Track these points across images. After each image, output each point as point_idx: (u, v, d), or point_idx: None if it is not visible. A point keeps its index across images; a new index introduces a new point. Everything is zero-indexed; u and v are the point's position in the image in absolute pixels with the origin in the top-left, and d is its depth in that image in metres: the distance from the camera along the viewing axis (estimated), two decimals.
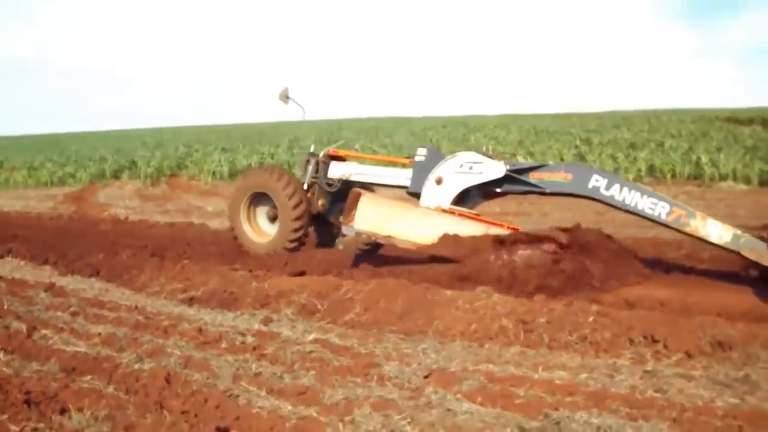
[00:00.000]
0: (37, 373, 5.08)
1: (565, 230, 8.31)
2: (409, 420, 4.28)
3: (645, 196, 8.22)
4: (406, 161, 10.52)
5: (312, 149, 11.08)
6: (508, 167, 8.90)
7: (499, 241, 8.12)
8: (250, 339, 6.22)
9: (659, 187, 14.88)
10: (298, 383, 5.04)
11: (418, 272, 8.34)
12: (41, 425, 4.11)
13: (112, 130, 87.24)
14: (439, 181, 9.14)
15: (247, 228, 10.74)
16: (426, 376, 5.20)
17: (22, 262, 10.67)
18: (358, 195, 8.79)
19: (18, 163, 33.21)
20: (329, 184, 10.48)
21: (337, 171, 10.56)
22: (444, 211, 8.87)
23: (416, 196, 9.48)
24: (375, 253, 10.43)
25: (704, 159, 19.30)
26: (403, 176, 9.91)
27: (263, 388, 4.89)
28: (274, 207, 10.42)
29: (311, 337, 6.33)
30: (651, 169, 20.05)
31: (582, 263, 8.00)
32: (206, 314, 7.42)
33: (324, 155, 10.73)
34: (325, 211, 10.64)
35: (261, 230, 10.81)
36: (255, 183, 10.75)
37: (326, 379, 5.14)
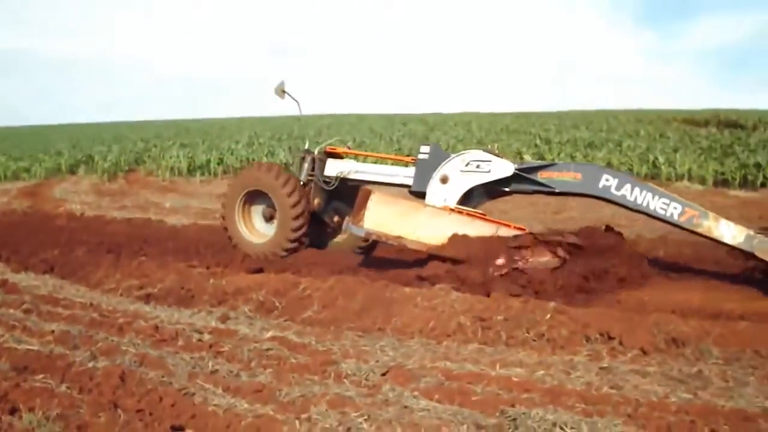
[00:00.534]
0: None
1: (575, 232, 8.23)
2: (365, 417, 4.29)
3: (657, 197, 8.10)
4: (408, 159, 10.32)
5: (307, 146, 10.65)
6: (516, 166, 8.73)
7: (514, 245, 7.99)
8: (206, 336, 6.16)
9: None
10: (255, 381, 5.02)
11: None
12: None
13: (67, 124, 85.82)
14: (444, 180, 8.94)
15: (242, 228, 10.38)
16: (383, 374, 5.22)
17: None
18: (368, 194, 8.49)
19: None
20: (326, 182, 10.14)
21: (334, 168, 10.25)
22: (452, 210, 8.64)
23: (419, 195, 9.25)
24: (371, 254, 10.46)
25: (661, 159, 19.53)
26: (404, 175, 9.66)
27: (219, 386, 4.85)
28: (270, 206, 10.15)
29: (269, 334, 6.28)
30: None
31: (594, 266, 7.89)
32: (163, 311, 7.31)
33: (320, 152, 10.43)
34: (321, 210, 10.32)
35: (256, 230, 10.47)
36: (251, 181, 10.28)
37: (283, 377, 5.13)
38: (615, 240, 8.31)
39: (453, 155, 9.06)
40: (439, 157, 9.17)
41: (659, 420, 4.34)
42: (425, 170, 9.16)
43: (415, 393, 4.80)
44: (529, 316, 6.37)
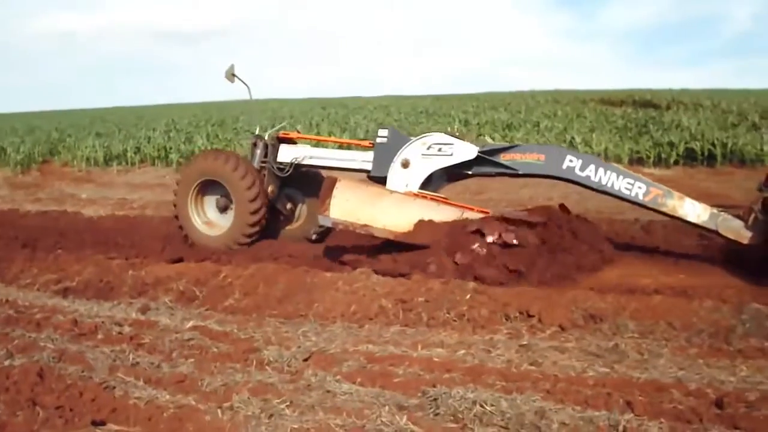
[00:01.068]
0: None
1: (536, 211, 8.13)
2: (288, 403, 4.31)
3: (621, 177, 8.06)
4: (365, 143, 10.07)
5: (257, 131, 10.32)
6: (479, 148, 8.54)
7: (479, 227, 7.81)
8: (127, 329, 6.06)
9: None
10: (177, 372, 4.99)
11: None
12: None
13: None
14: (405, 164, 8.67)
15: (195, 219, 9.92)
16: (306, 359, 5.24)
17: None
18: (334, 181, 8.04)
19: None
20: (281, 169, 9.78)
21: (288, 154, 9.88)
22: (417, 195, 8.40)
23: (379, 180, 8.92)
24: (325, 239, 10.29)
25: (578, 139, 19.91)
26: (362, 159, 9.34)
27: (141, 378, 4.81)
28: (224, 196, 9.78)
29: (190, 324, 6.22)
30: None
31: (560, 246, 7.77)
32: (81, 305, 7.15)
33: (272, 137, 10.05)
34: (274, 198, 9.95)
35: (210, 221, 10.01)
36: (206, 169, 9.77)
37: (205, 367, 5.11)
38: (575, 218, 8.23)
39: (413, 138, 8.84)
40: (398, 140, 8.92)
41: (577, 394, 4.47)
42: (384, 154, 8.91)
43: (338, 377, 4.84)
44: (450, 297, 6.46)
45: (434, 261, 7.59)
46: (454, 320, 6.23)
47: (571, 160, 8.19)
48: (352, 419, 4.07)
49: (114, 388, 4.60)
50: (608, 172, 8.08)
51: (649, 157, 18.15)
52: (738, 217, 7.79)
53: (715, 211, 7.89)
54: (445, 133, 8.94)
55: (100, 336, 5.88)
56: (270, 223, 10.03)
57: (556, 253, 7.66)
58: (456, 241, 7.75)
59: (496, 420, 4.04)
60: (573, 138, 20.16)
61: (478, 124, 25.71)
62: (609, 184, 8.06)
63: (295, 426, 4.01)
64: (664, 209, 7.98)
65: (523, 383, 4.69)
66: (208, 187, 9.88)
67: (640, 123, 23.55)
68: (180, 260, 8.56)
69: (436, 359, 5.28)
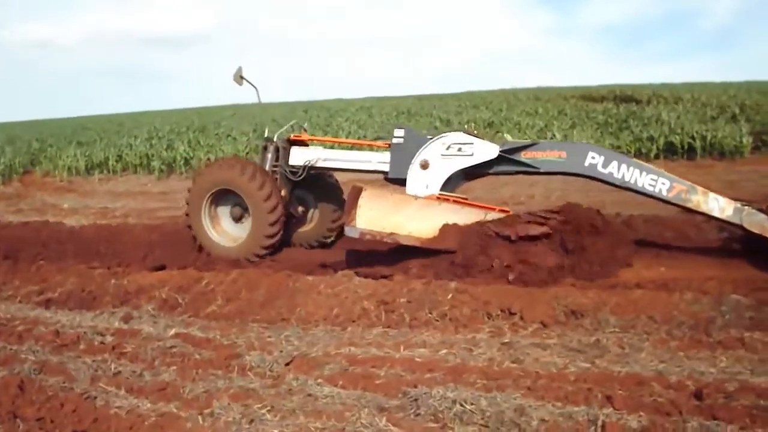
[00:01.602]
0: None
1: (558, 211, 8.01)
2: (269, 408, 4.32)
3: (644, 173, 7.94)
4: (380, 144, 9.85)
5: (266, 134, 9.97)
6: (500, 147, 8.35)
7: (503, 230, 7.71)
8: (109, 338, 6.05)
9: None
10: (159, 380, 4.99)
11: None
12: None
13: None
14: (424, 166, 8.47)
15: (210, 230, 9.57)
16: (287, 364, 5.27)
17: None
18: (359, 191, 7.78)
19: None
20: (293, 172, 9.48)
21: (300, 157, 9.58)
22: (440, 199, 8.20)
23: (397, 182, 8.79)
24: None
25: (558, 136, 19.99)
26: (378, 160, 9.10)
27: (122, 387, 4.80)
28: (238, 205, 9.47)
29: (172, 332, 6.22)
30: None
31: (582, 245, 7.68)
32: (64, 316, 7.13)
33: (283, 140, 9.75)
34: (286, 202, 9.58)
35: (225, 232, 9.69)
36: (220, 179, 9.38)
37: (187, 374, 5.11)
38: (596, 216, 8.04)
39: (432, 138, 8.61)
40: (415, 140, 8.70)
41: (557, 390, 4.51)
42: (402, 155, 8.69)
43: (319, 380, 4.86)
44: (432, 297, 6.50)
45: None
46: (437, 320, 6.26)
47: (593, 157, 8.06)
48: (333, 422, 4.09)
49: (95, 398, 4.59)
50: (631, 169, 7.96)
51: (629, 152, 18.19)
52: (761, 210, 7.76)
53: (738, 205, 7.82)
54: (464, 132, 8.72)
55: (82, 346, 5.85)
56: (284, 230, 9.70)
57: (584, 251, 7.62)
58: (481, 242, 7.69)
59: (476, 419, 4.07)
60: (554, 135, 20.26)
61: (459, 123, 25.73)
62: (632, 181, 7.95)
63: (275, 431, 4.03)
64: (688, 205, 7.90)
65: (504, 381, 4.72)
66: (221, 196, 9.55)
67: (620, 118, 23.62)
68: (162, 268, 8.55)
69: (418, 360, 5.30)
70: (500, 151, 8.29)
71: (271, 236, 9.14)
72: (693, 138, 18.18)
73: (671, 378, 4.69)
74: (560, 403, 4.29)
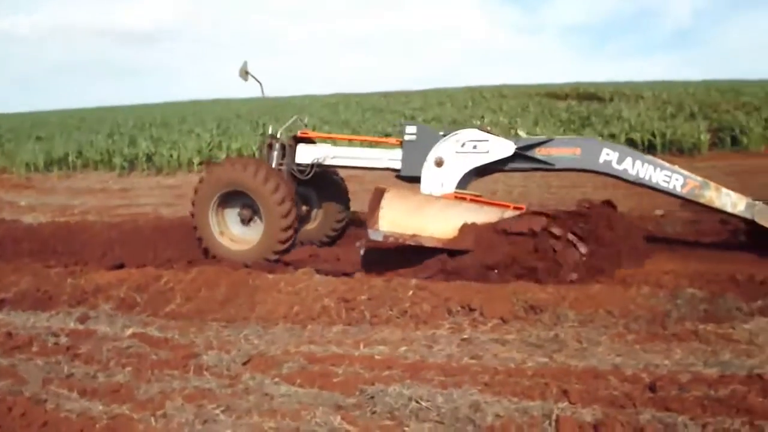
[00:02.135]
0: None
1: (580, 207, 7.90)
2: (224, 408, 4.27)
3: (658, 169, 7.96)
4: (392, 141, 9.52)
5: (270, 131, 9.68)
6: (516, 145, 8.27)
7: (532, 228, 7.54)
8: (63, 339, 5.94)
9: None
10: (113, 381, 4.91)
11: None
12: None
13: None
14: (439, 163, 8.32)
15: (217, 233, 9.12)
16: (245, 363, 5.21)
17: None
18: (382, 192, 7.52)
19: None
20: (301, 171, 9.21)
21: (307, 155, 9.30)
22: (459, 198, 8.02)
23: (410, 179, 8.64)
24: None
25: (522, 133, 20.17)
26: (390, 158, 8.91)
27: (75, 389, 4.71)
28: (246, 207, 9.07)
29: (129, 331, 6.12)
30: None
31: (604, 241, 7.59)
32: (18, 317, 6.96)
33: (289, 137, 9.42)
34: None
35: (235, 235, 9.26)
36: (230, 180, 8.91)
37: (142, 375, 5.04)
38: (613, 213, 8.07)
39: (446, 135, 8.47)
40: (429, 137, 8.55)
41: (514, 385, 4.52)
42: (415, 152, 8.53)
43: (276, 379, 4.82)
44: (392, 294, 6.49)
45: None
46: (397, 317, 6.25)
47: (607, 154, 8.05)
48: (287, 421, 4.05)
49: (46, 401, 4.50)
50: (645, 165, 7.98)
51: None
52: None
53: (750, 200, 7.94)
54: (479, 128, 8.61)
55: (34, 348, 5.73)
56: None
57: (607, 247, 7.57)
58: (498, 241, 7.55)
59: (431, 415, 4.05)
60: (517, 132, 20.41)
61: (424, 120, 25.87)
62: (647, 177, 7.97)
63: (228, 431, 3.98)
64: (701, 200, 7.97)
65: (462, 377, 4.72)
66: (229, 197, 9.10)
67: (582, 115, 23.91)
68: (121, 266, 8.45)
69: (377, 357, 5.28)
70: (516, 149, 8.24)
71: (284, 241, 8.76)
72: (653, 135, 18.48)
73: (627, 371, 4.73)
74: (516, 398, 4.30)
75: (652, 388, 4.36)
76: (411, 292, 6.50)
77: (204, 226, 9.10)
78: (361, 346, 5.58)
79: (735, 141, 19.43)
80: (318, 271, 7.43)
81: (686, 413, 3.97)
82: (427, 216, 7.67)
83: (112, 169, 21.82)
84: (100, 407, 4.36)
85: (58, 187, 19.97)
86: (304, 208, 9.83)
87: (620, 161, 7.99)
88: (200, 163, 21.18)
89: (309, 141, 9.61)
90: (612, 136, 18.72)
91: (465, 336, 5.76)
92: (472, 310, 6.24)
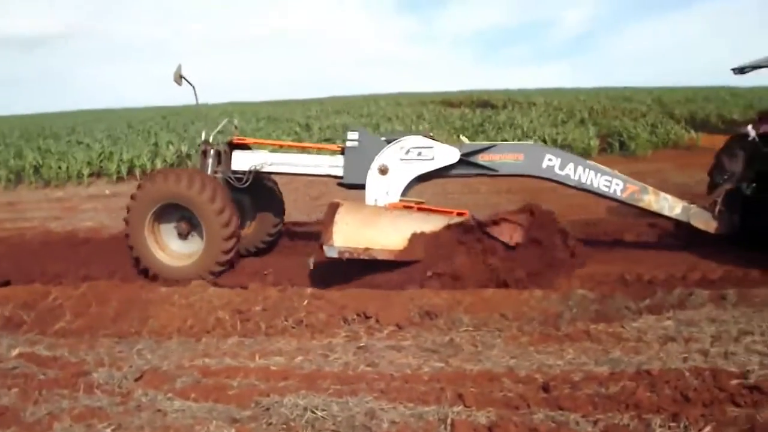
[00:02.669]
0: None
1: (520, 212, 7.83)
2: (114, 427, 4.15)
3: (599, 174, 8.18)
4: (333, 147, 9.32)
5: (203, 137, 9.27)
6: (461, 151, 8.29)
7: (474, 234, 7.56)
8: None
9: None
10: None
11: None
12: None
13: None
14: (384, 171, 8.23)
15: (154, 248, 8.64)
16: (137, 379, 5.08)
17: None
18: (336, 207, 7.26)
19: None
20: (239, 179, 8.88)
21: (244, 161, 9.01)
22: (406, 207, 7.92)
23: (351, 187, 8.54)
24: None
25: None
26: (329, 164, 8.72)
27: None
28: (183, 220, 8.71)
29: (16, 352, 5.86)
30: None
31: (546, 245, 7.64)
32: None
33: (224, 143, 9.12)
34: None
35: (171, 250, 8.81)
36: (165, 193, 8.49)
37: (29, 396, 4.82)
38: (551, 218, 8.04)
39: (388, 141, 8.40)
40: (372, 144, 8.44)
41: (410, 391, 4.54)
42: (357, 159, 8.39)
43: (170, 395, 4.70)
44: (287, 304, 6.47)
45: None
46: (293, 327, 6.23)
47: (550, 159, 8.20)
48: None
49: None
50: (587, 171, 8.19)
51: None
52: (705, 209, 8.34)
53: (686, 204, 8.36)
54: (423, 136, 8.59)
55: None
56: None
57: (547, 251, 7.65)
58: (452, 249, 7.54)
59: (327, 425, 4.04)
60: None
61: (319, 128, 25.84)
62: (588, 182, 8.19)
63: None
64: (640, 204, 8.29)
65: (358, 385, 4.71)
66: (164, 211, 8.69)
67: (476, 122, 24.36)
68: (7, 283, 8.14)
69: (273, 368, 5.23)
70: (461, 155, 8.26)
71: (228, 251, 8.46)
72: (545, 141, 18.95)
73: (521, 372, 4.82)
74: (412, 403, 4.32)
75: (545, 388, 4.45)
76: (306, 302, 6.50)
77: (140, 244, 8.63)
78: (257, 358, 5.51)
79: (623, 146, 20.22)
80: (212, 283, 7.33)
81: (578, 411, 4.07)
82: (378, 228, 7.54)
83: None
84: None
85: None
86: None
87: (562, 167, 8.19)
88: (90, 175, 20.54)
89: (245, 147, 9.34)
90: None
91: (361, 344, 5.77)
92: (368, 317, 6.27)
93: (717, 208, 8.30)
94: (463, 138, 9.34)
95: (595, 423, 3.92)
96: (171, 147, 22.04)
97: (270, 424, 4.13)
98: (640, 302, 6.37)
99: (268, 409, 4.28)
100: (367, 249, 7.35)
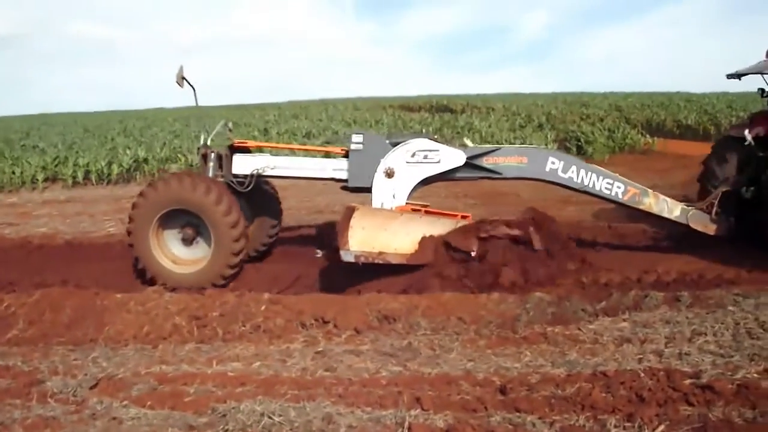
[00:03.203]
0: None
1: (524, 217, 8.00)
2: None
3: (601, 177, 8.27)
4: (336, 150, 9.05)
5: (202, 141, 9.08)
6: (466, 154, 8.26)
7: (482, 238, 7.60)
8: None
9: None
10: None
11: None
12: None
13: None
14: (390, 174, 8.14)
15: (159, 255, 8.41)
16: (92, 387, 5.01)
17: None
18: (352, 211, 7.20)
19: None
20: (240, 183, 8.69)
21: (246, 165, 8.80)
22: (415, 210, 7.94)
23: (357, 190, 8.42)
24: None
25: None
26: (333, 168, 8.60)
27: None
28: (190, 225, 8.48)
29: None
30: None
31: (549, 249, 7.78)
32: None
33: (224, 147, 8.93)
34: None
35: (177, 256, 8.57)
36: (171, 199, 8.26)
37: None
38: (552, 222, 8.22)
39: (394, 145, 8.30)
40: (376, 147, 8.36)
41: (368, 395, 4.55)
42: (362, 162, 8.31)
43: (125, 402, 4.66)
44: (245, 309, 6.44)
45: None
46: (251, 332, 6.20)
47: (553, 162, 8.26)
48: None
49: None
50: (590, 173, 8.29)
51: None
52: (703, 211, 8.53)
53: (685, 206, 8.54)
54: (429, 138, 8.52)
55: None
56: None
57: (549, 255, 7.77)
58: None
59: (284, 430, 4.02)
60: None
61: (278, 132, 25.79)
62: (591, 185, 8.28)
63: None
64: (641, 207, 8.42)
65: (316, 390, 4.70)
66: (168, 217, 8.44)
67: (435, 126, 24.53)
68: None
69: (230, 374, 5.19)
70: (466, 158, 8.25)
71: (237, 254, 8.30)
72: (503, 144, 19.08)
73: (479, 375, 4.84)
74: (370, 407, 4.33)
75: (502, 390, 4.49)
76: (264, 307, 6.48)
77: (145, 251, 8.39)
78: (214, 364, 5.47)
79: (580, 150, 20.45)
80: (169, 289, 7.26)
81: (535, 413, 4.12)
82: (391, 231, 7.51)
83: None
84: None
85: None
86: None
87: (565, 170, 8.27)
88: (45, 180, 20.23)
89: (245, 150, 9.17)
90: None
91: (319, 349, 5.76)
92: (326, 322, 6.26)
93: (714, 210, 8.53)
94: (466, 141, 9.41)
95: (552, 424, 3.97)
96: (128, 152, 21.79)
97: (227, 430, 4.10)
98: (596, 304, 6.44)
99: (224, 415, 4.26)
100: (381, 253, 7.35)
